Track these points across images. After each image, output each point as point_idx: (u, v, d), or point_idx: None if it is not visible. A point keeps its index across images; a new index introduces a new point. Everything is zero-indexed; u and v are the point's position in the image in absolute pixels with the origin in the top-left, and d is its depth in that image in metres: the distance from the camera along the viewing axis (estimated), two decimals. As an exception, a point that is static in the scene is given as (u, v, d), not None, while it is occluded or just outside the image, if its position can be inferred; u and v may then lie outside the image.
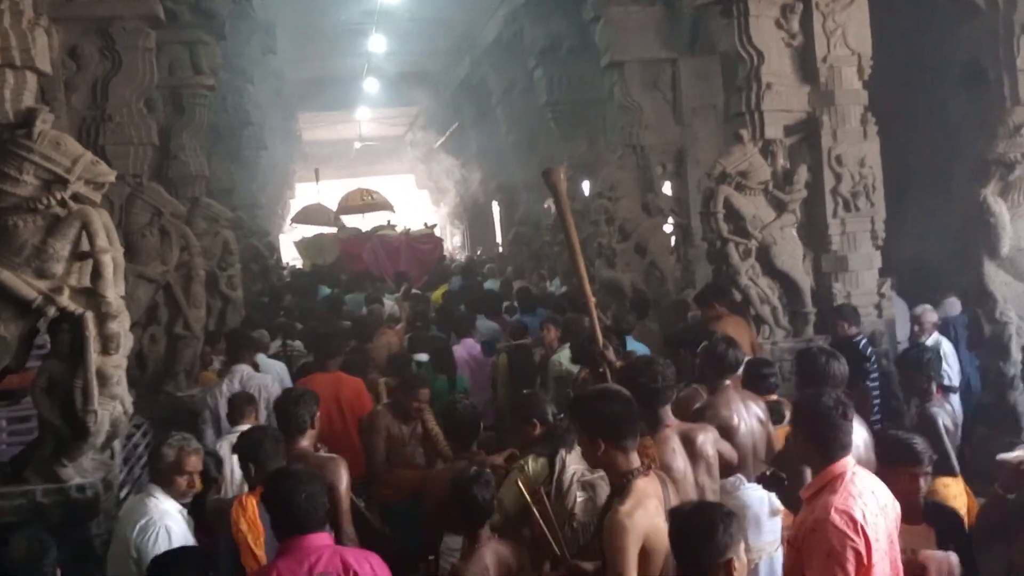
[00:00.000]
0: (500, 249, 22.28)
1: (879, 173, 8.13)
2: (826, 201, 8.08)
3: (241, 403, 5.93)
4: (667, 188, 11.57)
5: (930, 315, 7.79)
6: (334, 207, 24.38)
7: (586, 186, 13.95)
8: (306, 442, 4.55)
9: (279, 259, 19.63)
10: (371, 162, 35.38)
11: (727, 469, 4.50)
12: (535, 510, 3.99)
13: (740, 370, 5.28)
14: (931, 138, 10.26)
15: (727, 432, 4.71)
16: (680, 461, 4.10)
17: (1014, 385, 7.05)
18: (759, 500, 4.58)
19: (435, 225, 23.31)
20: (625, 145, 11.36)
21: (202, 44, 10.31)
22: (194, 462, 4.26)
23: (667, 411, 4.34)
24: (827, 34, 8.05)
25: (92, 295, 4.34)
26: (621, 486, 3.40)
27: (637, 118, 11.12)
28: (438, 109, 24.89)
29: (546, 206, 17.50)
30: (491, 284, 14.19)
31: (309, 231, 23.19)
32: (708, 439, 4.30)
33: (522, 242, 17.34)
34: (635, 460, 3.44)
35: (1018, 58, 7.73)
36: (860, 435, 4.17)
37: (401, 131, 32.43)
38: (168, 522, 4.13)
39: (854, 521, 3.25)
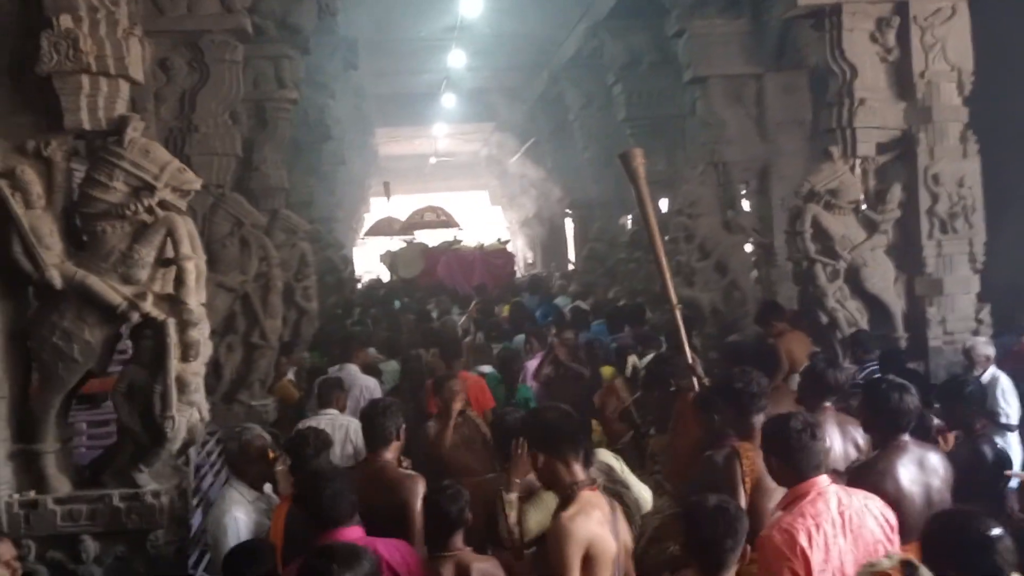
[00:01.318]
0: (571, 266, 22.18)
1: (979, 193, 7.81)
2: (921, 221, 7.79)
3: (329, 388, 6.48)
4: (746, 206, 11.32)
5: (982, 348, 7.09)
6: (401, 226, 24.70)
7: (664, 203, 13.74)
8: (390, 454, 4.51)
9: (353, 272, 19.86)
10: (446, 177, 35.61)
11: None
12: None
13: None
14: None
15: None
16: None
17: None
18: None
19: (508, 241, 23.42)
20: (707, 162, 11.14)
21: (287, 59, 10.39)
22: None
23: (760, 419, 4.22)
24: (925, 48, 7.80)
25: (174, 302, 4.36)
26: (566, 497, 3.46)
27: (720, 134, 10.88)
28: (514, 124, 24.91)
29: (622, 222, 17.39)
30: (562, 300, 14.06)
31: (392, 244, 23.52)
32: None
33: (597, 258, 17.18)
34: (579, 473, 3.49)
35: None
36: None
37: (477, 146, 32.56)
38: (237, 512, 4.41)
39: (793, 542, 3.33)
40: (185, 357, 4.30)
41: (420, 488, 4.30)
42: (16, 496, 4.36)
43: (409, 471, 4.63)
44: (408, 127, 27.75)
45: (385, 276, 22.59)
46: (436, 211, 24.33)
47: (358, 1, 14.00)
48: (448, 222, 24.02)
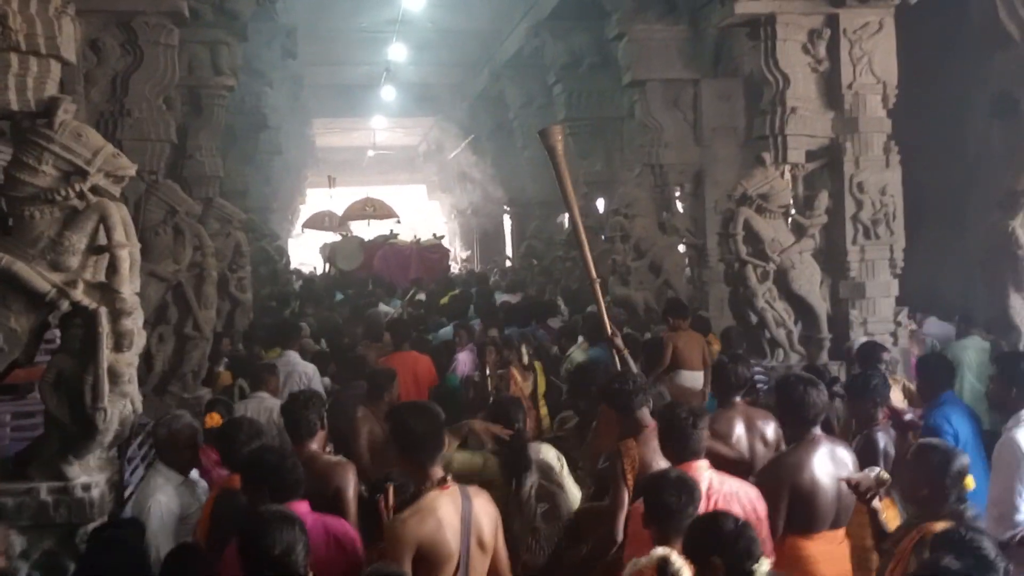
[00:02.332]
0: (508, 262, 22.27)
1: (900, 202, 8.11)
2: (846, 227, 8.05)
3: (261, 371, 6.84)
4: (681, 208, 11.50)
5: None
6: (340, 216, 24.59)
7: (601, 204, 13.89)
8: (315, 445, 4.51)
9: (288, 263, 19.65)
10: (384, 171, 35.38)
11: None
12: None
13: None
14: (949, 169, 10.22)
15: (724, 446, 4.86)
16: (662, 461, 4.20)
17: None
18: None
19: (443, 236, 23.47)
20: (643, 164, 11.29)
21: (223, 44, 10.25)
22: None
23: (645, 413, 4.52)
24: (853, 61, 8.03)
25: (107, 290, 4.24)
26: (413, 496, 3.60)
27: (657, 137, 11.05)
28: (454, 120, 24.89)
29: (559, 221, 17.51)
30: (498, 296, 14.11)
31: (327, 237, 23.40)
32: None
33: (534, 256, 17.28)
34: (434, 474, 3.59)
35: (1053, 89, 7.69)
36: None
37: (415, 141, 32.43)
38: (161, 495, 4.46)
39: None
40: (118, 347, 4.19)
41: (351, 474, 4.32)
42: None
43: (338, 457, 4.65)
44: (347, 119, 27.50)
45: (321, 268, 22.44)
46: (374, 203, 24.29)
47: (298, -13, 13.86)
48: (386, 215, 23.99)
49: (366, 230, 23.26)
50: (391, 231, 22.38)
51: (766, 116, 8.15)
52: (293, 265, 21.65)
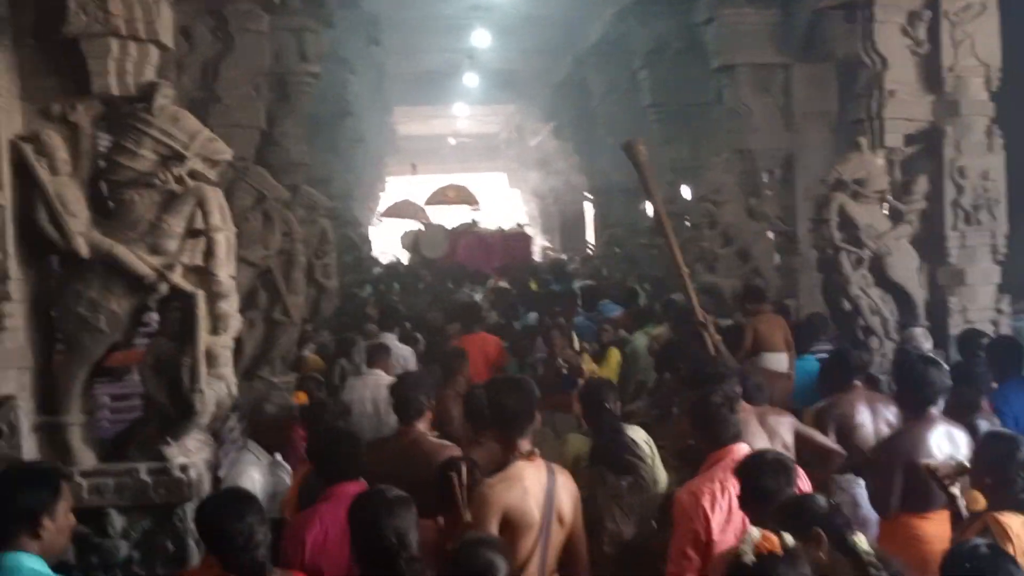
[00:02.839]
0: (589, 251, 22.15)
1: (1003, 187, 7.87)
2: (946, 213, 7.83)
3: (377, 350, 7.29)
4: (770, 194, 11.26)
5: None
6: (424, 202, 24.73)
7: (686, 190, 13.68)
8: (422, 425, 4.54)
9: (370, 250, 19.87)
10: (464, 158, 35.51)
11: (832, 462, 4.69)
12: None
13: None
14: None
15: (846, 430, 4.86)
16: (760, 440, 4.31)
17: None
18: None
19: (527, 224, 23.46)
20: (731, 149, 11.08)
21: (310, 31, 10.32)
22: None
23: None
24: (955, 43, 7.78)
25: (203, 274, 4.29)
26: (501, 465, 3.77)
27: (746, 122, 10.81)
28: (535, 108, 24.82)
29: (642, 208, 17.31)
30: (577, 284, 14.16)
31: (406, 225, 23.61)
32: (782, 422, 4.57)
33: (616, 243, 17.14)
34: (522, 446, 3.75)
35: None
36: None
37: (496, 128, 32.44)
38: (254, 472, 4.66)
39: (696, 503, 3.68)
40: (215, 330, 4.24)
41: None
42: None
43: (444, 440, 4.67)
44: (428, 106, 27.63)
45: (404, 256, 22.64)
46: (458, 189, 24.41)
47: (382, -24, 13.94)
48: (466, 200, 24.10)
49: (447, 218, 23.37)
50: (472, 220, 22.47)
51: (862, 100, 7.94)
52: (374, 252, 21.89)
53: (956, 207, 7.80)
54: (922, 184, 7.88)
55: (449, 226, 21.69)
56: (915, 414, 4.32)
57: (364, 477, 3.99)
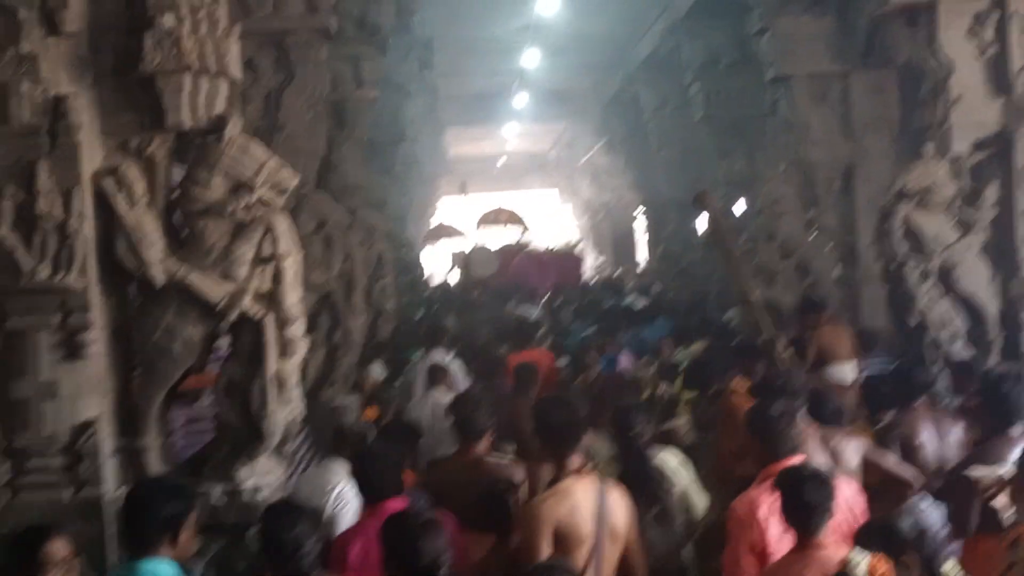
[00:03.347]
0: (640, 267, 22.04)
1: (1078, 194, 7.56)
2: (1017, 222, 7.58)
3: (437, 370, 7.33)
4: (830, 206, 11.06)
5: None
6: (475, 222, 24.95)
7: (741, 203, 13.55)
8: (482, 446, 4.51)
9: (422, 272, 20.02)
10: (514, 176, 35.61)
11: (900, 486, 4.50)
12: None
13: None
14: None
15: (908, 450, 4.73)
16: (819, 460, 4.20)
17: None
18: (942, 520, 4.38)
19: (580, 241, 23.47)
20: (789, 161, 10.92)
21: (365, 59, 10.48)
22: None
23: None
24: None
25: (272, 299, 4.40)
26: (552, 481, 3.82)
27: (803, 134, 10.63)
28: (586, 125, 24.82)
29: (696, 223, 17.20)
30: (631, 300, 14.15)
31: (460, 245, 23.84)
32: (850, 444, 4.44)
33: (670, 258, 17.02)
34: (571, 463, 3.80)
35: None
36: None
37: (546, 146, 32.47)
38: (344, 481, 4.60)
39: (753, 513, 3.67)
40: (284, 354, 4.35)
41: (520, 475, 4.33)
42: (122, 490, 4.41)
43: (504, 460, 4.65)
44: (478, 127, 27.79)
45: (453, 277, 22.79)
46: (505, 212, 24.58)
47: (433, 0, 14.06)
48: (518, 222, 24.24)
49: (495, 238, 23.55)
50: (519, 241, 22.60)
51: (926, 107, 7.75)
52: (427, 274, 22.07)
53: (1028, 215, 7.55)
54: (992, 192, 7.64)
55: (493, 247, 21.86)
56: (997, 432, 4.21)
57: (427, 496, 4.10)
